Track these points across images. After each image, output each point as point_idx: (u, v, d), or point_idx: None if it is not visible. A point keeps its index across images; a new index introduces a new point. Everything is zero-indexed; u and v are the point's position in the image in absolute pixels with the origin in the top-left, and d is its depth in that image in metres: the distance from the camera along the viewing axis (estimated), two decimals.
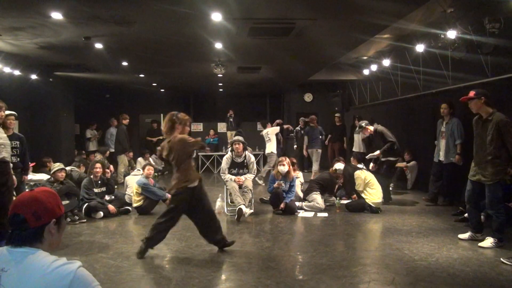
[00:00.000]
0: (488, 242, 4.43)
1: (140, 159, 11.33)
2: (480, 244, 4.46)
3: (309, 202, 6.75)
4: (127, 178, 7.78)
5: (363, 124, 7.29)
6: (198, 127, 13.84)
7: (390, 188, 7.96)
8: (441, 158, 6.73)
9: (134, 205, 6.61)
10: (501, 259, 3.97)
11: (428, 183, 7.27)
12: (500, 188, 4.35)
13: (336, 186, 7.42)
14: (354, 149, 10.82)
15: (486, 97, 4.45)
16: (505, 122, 4.28)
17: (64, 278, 1.40)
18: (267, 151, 10.23)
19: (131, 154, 10.45)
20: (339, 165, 7.28)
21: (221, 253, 4.43)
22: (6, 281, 1.40)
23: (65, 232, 5.41)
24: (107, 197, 6.73)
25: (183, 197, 4.18)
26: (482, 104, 4.45)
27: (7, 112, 5.69)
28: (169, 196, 6.60)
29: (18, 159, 5.71)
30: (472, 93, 4.53)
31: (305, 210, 6.59)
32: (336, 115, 12.28)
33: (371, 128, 7.28)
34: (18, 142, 5.75)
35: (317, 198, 6.72)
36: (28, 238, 1.48)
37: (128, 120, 10.20)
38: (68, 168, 7.45)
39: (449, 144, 6.55)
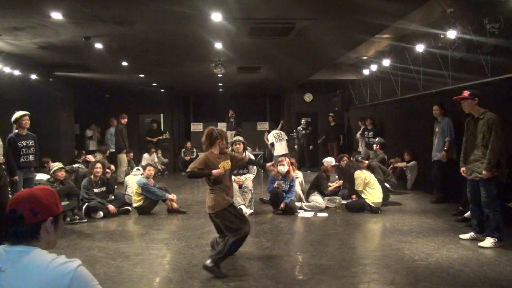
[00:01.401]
0: (488, 242, 4.43)
1: (145, 155, 11.29)
2: (480, 244, 4.46)
3: (309, 202, 6.78)
4: (126, 178, 7.77)
5: (359, 158, 7.42)
6: (198, 127, 13.84)
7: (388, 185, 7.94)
8: (434, 156, 6.95)
9: (134, 205, 6.60)
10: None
11: (427, 183, 7.34)
12: (493, 186, 4.37)
13: (335, 184, 7.49)
14: (359, 149, 10.92)
15: (480, 99, 4.52)
16: (495, 121, 4.34)
17: (64, 277, 1.39)
18: (282, 152, 10.06)
19: (131, 154, 10.40)
20: (328, 159, 7.49)
21: None
22: (4, 281, 1.38)
23: (65, 232, 5.44)
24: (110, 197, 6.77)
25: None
26: (475, 105, 4.52)
27: (22, 112, 5.83)
28: (169, 196, 6.64)
29: (34, 157, 5.90)
30: (466, 93, 4.58)
31: (305, 210, 6.60)
32: (330, 114, 12.47)
33: (366, 162, 7.42)
34: (33, 141, 5.92)
35: (317, 199, 6.74)
36: (24, 235, 1.47)
37: (126, 120, 10.16)
38: (75, 165, 7.51)
39: (440, 142, 6.79)
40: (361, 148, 10.82)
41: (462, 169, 4.72)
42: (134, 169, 8.00)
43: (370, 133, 10.46)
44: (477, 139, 4.47)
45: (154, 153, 11.55)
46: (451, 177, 6.88)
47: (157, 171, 10.85)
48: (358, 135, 11.44)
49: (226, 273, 3.75)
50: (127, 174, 8.92)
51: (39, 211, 1.50)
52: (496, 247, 4.36)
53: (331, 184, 7.50)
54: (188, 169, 3.89)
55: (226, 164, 3.98)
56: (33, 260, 1.43)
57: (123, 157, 10.05)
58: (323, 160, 7.58)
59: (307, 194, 7.01)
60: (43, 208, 1.51)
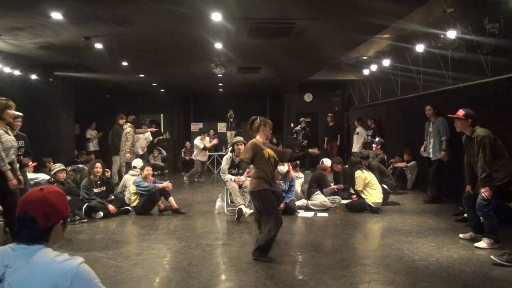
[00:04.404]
0: (484, 243, 4.42)
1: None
2: (476, 244, 4.46)
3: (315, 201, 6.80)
4: (126, 176, 7.67)
5: (359, 155, 7.41)
6: (198, 127, 13.83)
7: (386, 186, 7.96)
8: (430, 155, 7.07)
9: (132, 205, 6.60)
10: (491, 256, 3.94)
11: (427, 183, 7.34)
12: (492, 191, 4.35)
13: (335, 187, 7.49)
14: (353, 150, 10.94)
15: (473, 120, 4.56)
16: (482, 137, 4.38)
17: (66, 274, 1.41)
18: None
19: (128, 155, 9.82)
20: (328, 160, 7.68)
21: (221, 253, 4.44)
22: (10, 278, 1.40)
23: (65, 232, 5.43)
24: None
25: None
26: (468, 126, 4.58)
27: (15, 113, 5.78)
28: (159, 186, 6.48)
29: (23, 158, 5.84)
30: (461, 113, 4.61)
31: (311, 209, 6.61)
32: (329, 115, 12.54)
33: (367, 161, 7.40)
34: (23, 142, 5.88)
35: (322, 198, 6.77)
36: (36, 238, 1.48)
37: (124, 120, 9.92)
38: (80, 165, 7.52)
39: (436, 142, 6.92)
40: (356, 149, 10.78)
41: (468, 186, 4.75)
42: (133, 169, 7.87)
43: (370, 132, 10.45)
44: (475, 159, 4.51)
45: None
46: (446, 176, 7.02)
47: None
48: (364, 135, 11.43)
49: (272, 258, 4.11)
50: (120, 175, 8.89)
51: (52, 216, 1.51)
52: (493, 248, 4.35)
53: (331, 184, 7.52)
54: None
55: (271, 152, 4.25)
56: (38, 257, 1.45)
57: (117, 158, 9.77)
58: (323, 159, 7.71)
59: (308, 193, 7.01)
60: (56, 212, 1.52)
